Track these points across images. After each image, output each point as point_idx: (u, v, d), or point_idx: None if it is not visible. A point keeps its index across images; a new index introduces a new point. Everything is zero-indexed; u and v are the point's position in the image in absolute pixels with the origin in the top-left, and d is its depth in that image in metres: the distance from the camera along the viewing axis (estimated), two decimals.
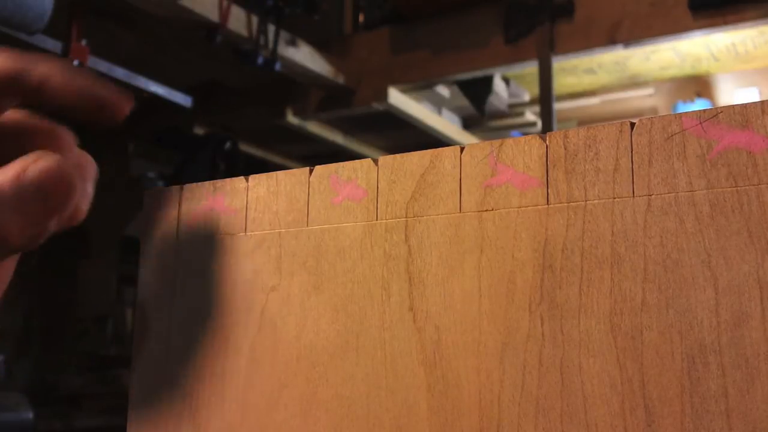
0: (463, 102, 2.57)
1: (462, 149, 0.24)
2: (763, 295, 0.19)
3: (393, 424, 0.24)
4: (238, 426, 0.26)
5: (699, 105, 2.55)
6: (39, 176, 0.26)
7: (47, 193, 0.26)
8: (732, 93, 2.61)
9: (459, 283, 0.23)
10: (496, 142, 0.24)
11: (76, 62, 1.80)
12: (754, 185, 0.20)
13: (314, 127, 2.63)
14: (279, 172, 0.28)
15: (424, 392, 0.23)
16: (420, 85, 2.43)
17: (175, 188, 0.30)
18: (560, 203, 0.22)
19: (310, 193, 0.27)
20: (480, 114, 2.60)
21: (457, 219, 0.24)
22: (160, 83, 2.11)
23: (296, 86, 2.44)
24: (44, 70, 0.27)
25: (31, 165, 0.26)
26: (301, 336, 0.26)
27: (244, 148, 2.72)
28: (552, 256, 0.22)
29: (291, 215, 0.27)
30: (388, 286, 0.25)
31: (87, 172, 0.29)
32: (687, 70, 2.56)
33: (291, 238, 0.27)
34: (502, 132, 2.96)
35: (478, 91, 2.45)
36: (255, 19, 2.06)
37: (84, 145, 0.33)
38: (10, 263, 0.33)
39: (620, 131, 0.22)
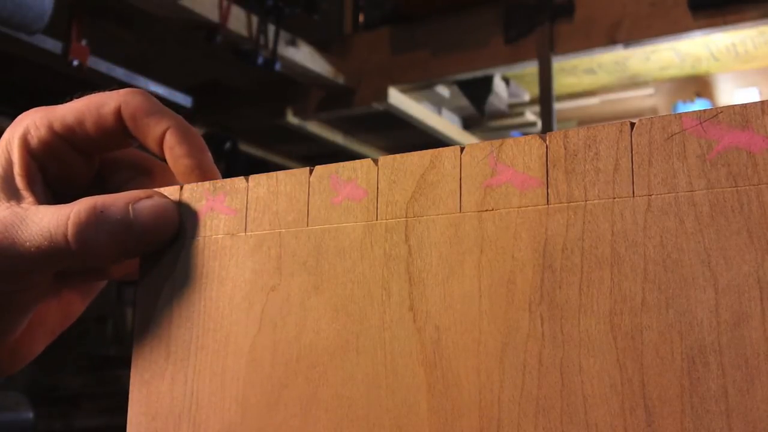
0: (463, 102, 2.57)
1: (462, 149, 0.24)
2: (763, 296, 0.19)
3: (393, 424, 0.24)
4: (238, 425, 0.26)
5: (699, 105, 2.55)
6: (149, 211, 0.28)
7: (149, 228, 0.28)
8: (732, 93, 2.61)
9: (459, 283, 0.23)
10: (496, 142, 0.24)
11: (75, 62, 1.80)
12: (754, 185, 0.20)
13: (314, 127, 2.63)
14: (279, 172, 0.28)
15: (424, 392, 0.23)
16: (420, 85, 2.43)
17: (174, 188, 0.30)
18: (560, 203, 0.22)
19: (310, 193, 0.27)
20: (480, 114, 2.60)
21: (457, 219, 0.24)
22: (160, 83, 2.11)
23: (296, 86, 2.44)
24: (169, 122, 0.30)
25: (143, 199, 0.28)
26: (301, 336, 0.26)
27: (244, 148, 2.72)
28: (552, 256, 0.22)
29: (291, 215, 0.27)
30: (388, 286, 0.25)
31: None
32: (687, 70, 2.56)
33: (291, 238, 0.27)
34: (502, 132, 2.96)
35: (478, 91, 2.45)
36: (255, 19, 2.06)
37: None
38: (85, 294, 0.34)
39: (620, 131, 0.22)
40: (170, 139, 0.31)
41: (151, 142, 0.31)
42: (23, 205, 0.29)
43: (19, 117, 0.31)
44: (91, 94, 0.31)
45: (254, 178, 0.29)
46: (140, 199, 0.29)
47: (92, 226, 0.28)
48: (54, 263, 0.28)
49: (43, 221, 0.28)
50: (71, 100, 0.31)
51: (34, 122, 0.30)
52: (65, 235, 0.28)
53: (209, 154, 0.32)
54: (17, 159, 0.30)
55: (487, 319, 0.23)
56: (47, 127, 0.30)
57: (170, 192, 0.30)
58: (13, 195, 0.29)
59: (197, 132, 0.32)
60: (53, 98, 0.33)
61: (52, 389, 2.38)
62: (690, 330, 0.20)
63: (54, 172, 0.31)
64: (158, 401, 0.29)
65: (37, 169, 0.30)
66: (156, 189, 0.30)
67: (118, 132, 0.31)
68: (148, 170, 0.34)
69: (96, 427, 2.26)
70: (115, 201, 0.28)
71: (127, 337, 2.70)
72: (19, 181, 0.30)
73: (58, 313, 0.34)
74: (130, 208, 0.28)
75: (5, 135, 0.30)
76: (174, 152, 0.31)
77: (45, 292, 0.31)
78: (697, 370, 0.20)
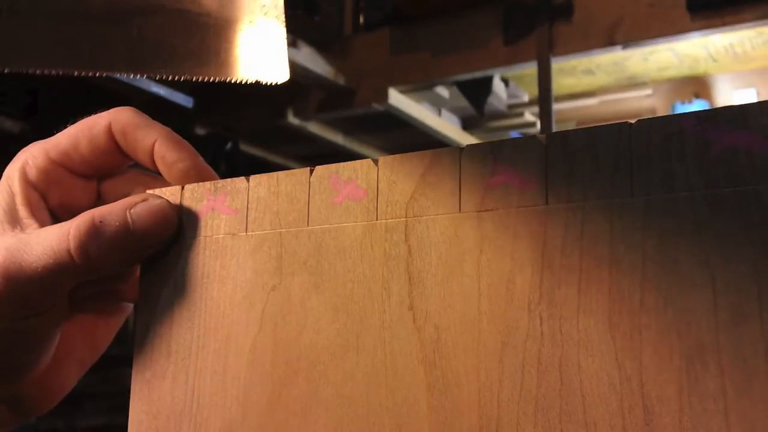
0: (463, 103, 2.57)
1: (462, 149, 0.24)
2: (762, 295, 0.19)
3: (393, 423, 0.24)
4: (239, 425, 0.27)
5: (697, 106, 2.55)
6: (146, 213, 0.29)
7: (148, 230, 0.29)
8: (730, 94, 2.61)
9: (458, 283, 0.23)
10: (496, 143, 0.24)
11: None
12: (752, 185, 0.20)
13: (315, 128, 2.63)
14: (279, 173, 0.28)
15: (424, 391, 0.23)
16: (420, 86, 2.43)
17: (175, 188, 0.30)
18: (559, 203, 0.22)
19: (311, 193, 0.27)
20: (479, 115, 2.60)
21: (456, 219, 0.24)
22: (160, 83, 2.11)
23: (297, 87, 2.44)
24: (157, 133, 0.31)
25: (139, 203, 0.29)
26: (301, 335, 0.26)
27: (245, 148, 2.72)
28: (551, 256, 0.22)
29: (291, 215, 0.27)
30: (388, 285, 0.25)
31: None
32: (685, 70, 2.56)
33: (291, 238, 0.27)
34: (501, 132, 2.95)
35: (477, 91, 2.45)
36: None
37: None
38: (109, 321, 0.35)
39: (619, 132, 0.22)
40: (160, 149, 0.31)
41: (143, 156, 0.32)
42: (27, 231, 0.30)
43: (18, 153, 0.32)
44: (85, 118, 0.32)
45: (255, 179, 0.29)
46: (136, 203, 0.29)
47: (93, 237, 0.29)
48: (62, 280, 0.29)
49: (46, 241, 0.29)
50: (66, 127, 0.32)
51: (31, 154, 0.32)
52: (68, 251, 0.28)
53: (201, 157, 0.32)
54: (18, 190, 0.31)
55: (486, 319, 0.23)
56: (44, 156, 0.31)
57: (171, 192, 0.30)
58: (18, 224, 0.30)
59: (185, 140, 0.32)
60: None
61: None
62: (688, 329, 0.20)
63: (56, 198, 0.32)
64: (160, 400, 0.29)
65: (39, 197, 0.32)
66: (152, 191, 0.31)
67: (112, 150, 0.32)
68: (148, 188, 0.34)
69: (98, 427, 2.25)
70: (112, 210, 0.29)
71: (128, 336, 2.70)
72: (22, 211, 0.31)
73: (84, 344, 0.34)
74: (127, 214, 0.29)
75: (6, 171, 0.32)
76: (166, 160, 0.31)
77: (60, 317, 0.31)
78: (696, 369, 0.20)
